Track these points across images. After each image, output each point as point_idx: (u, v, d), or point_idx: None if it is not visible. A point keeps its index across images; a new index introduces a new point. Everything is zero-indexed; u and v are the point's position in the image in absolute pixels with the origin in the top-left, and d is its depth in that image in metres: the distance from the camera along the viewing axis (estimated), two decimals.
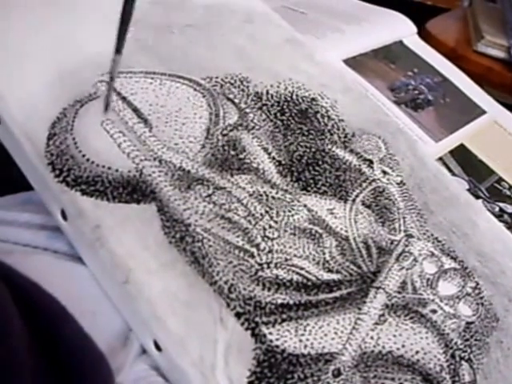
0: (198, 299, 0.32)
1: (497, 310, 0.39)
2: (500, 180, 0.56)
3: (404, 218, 0.41)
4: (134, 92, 0.40)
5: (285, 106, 0.44)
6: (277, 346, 0.32)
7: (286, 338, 0.33)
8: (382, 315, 0.35)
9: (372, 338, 0.34)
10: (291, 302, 0.34)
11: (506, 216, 0.52)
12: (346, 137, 0.44)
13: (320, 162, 0.41)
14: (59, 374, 0.27)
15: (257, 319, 0.33)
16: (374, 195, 0.41)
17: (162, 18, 0.47)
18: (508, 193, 0.55)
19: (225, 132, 0.40)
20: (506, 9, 0.99)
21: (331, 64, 0.51)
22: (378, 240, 0.39)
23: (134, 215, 0.35)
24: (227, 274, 0.34)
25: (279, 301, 0.34)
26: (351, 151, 0.43)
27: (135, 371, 0.32)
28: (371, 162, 0.43)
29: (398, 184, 0.43)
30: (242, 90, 0.44)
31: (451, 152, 0.57)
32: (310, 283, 0.35)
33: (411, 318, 0.36)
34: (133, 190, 0.35)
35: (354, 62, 0.60)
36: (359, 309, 0.35)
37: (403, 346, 0.34)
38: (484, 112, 0.63)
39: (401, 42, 0.67)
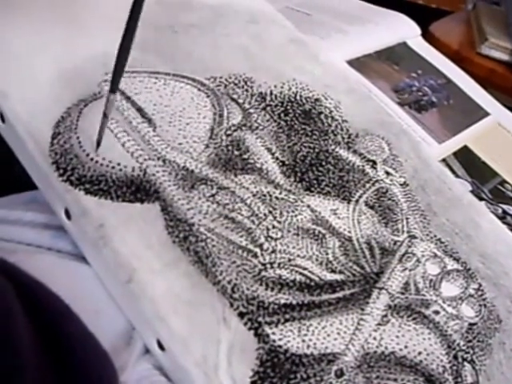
0: (202, 299, 0.33)
1: (499, 312, 0.39)
2: (503, 182, 0.56)
3: (407, 218, 0.41)
4: (138, 92, 0.40)
5: (288, 107, 0.44)
6: (280, 346, 0.32)
7: (289, 338, 0.33)
8: (385, 316, 0.35)
9: (375, 338, 0.34)
10: (294, 302, 0.34)
11: (508, 218, 0.52)
12: (349, 137, 0.44)
13: (323, 163, 0.42)
14: (63, 372, 0.27)
15: (260, 319, 0.33)
16: (377, 196, 0.41)
17: (166, 17, 0.47)
18: (511, 195, 0.55)
19: (229, 132, 0.40)
20: (509, 11, 0.99)
21: (335, 65, 0.51)
22: (381, 241, 0.39)
23: (138, 214, 0.35)
24: (230, 273, 0.34)
25: (282, 301, 0.34)
26: (355, 152, 0.43)
27: (138, 370, 0.32)
28: (374, 162, 0.43)
29: (401, 185, 0.43)
30: (246, 91, 0.44)
31: (455, 154, 0.57)
32: (313, 283, 0.35)
33: (414, 318, 0.36)
34: (136, 190, 0.35)
35: (357, 63, 0.60)
36: (362, 309, 0.35)
37: (406, 347, 0.34)
38: (488, 114, 0.63)
39: (405, 44, 0.67)
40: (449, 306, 0.37)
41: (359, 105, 0.48)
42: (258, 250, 0.35)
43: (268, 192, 0.38)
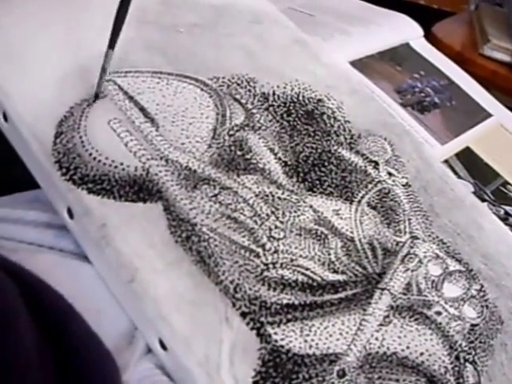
0: (204, 299, 0.33)
1: (501, 313, 0.39)
2: (505, 183, 0.56)
3: (409, 219, 0.41)
4: (140, 91, 0.40)
5: (291, 107, 0.44)
6: (282, 346, 0.32)
7: (291, 338, 0.33)
8: (387, 316, 0.35)
9: (377, 339, 0.34)
10: (296, 302, 0.34)
11: (511, 219, 0.52)
12: (351, 138, 0.44)
13: (326, 163, 0.42)
14: (66, 371, 0.27)
15: (262, 319, 0.33)
16: (379, 197, 0.41)
17: (170, 17, 0.47)
18: None
19: (231, 132, 0.40)
20: None
21: (338, 65, 0.51)
22: (384, 241, 0.39)
23: (141, 214, 0.35)
24: (233, 273, 0.34)
25: (284, 301, 0.34)
26: (357, 152, 0.43)
27: (140, 370, 0.32)
28: (377, 163, 0.43)
29: (403, 186, 0.43)
30: (249, 91, 0.44)
31: (457, 155, 0.56)
32: (315, 284, 0.35)
33: (416, 319, 0.36)
34: (139, 189, 0.35)
35: (360, 64, 0.60)
36: (364, 310, 0.35)
37: (408, 348, 0.34)
38: (490, 115, 0.63)
39: (407, 45, 0.67)
40: (451, 306, 0.37)
41: (362, 106, 0.48)
42: (260, 250, 0.35)
43: (270, 192, 0.38)
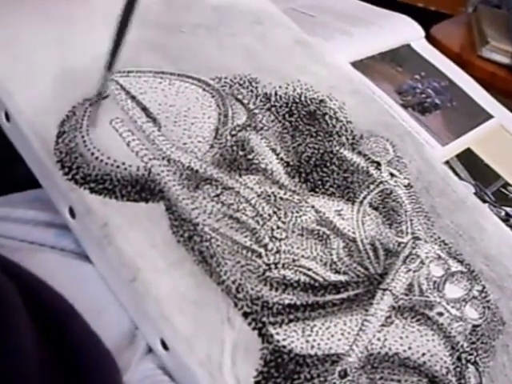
0: (206, 299, 0.32)
1: (503, 314, 0.39)
2: (506, 185, 0.56)
3: (411, 220, 0.41)
4: (143, 91, 0.40)
5: (293, 108, 0.44)
6: (284, 347, 0.32)
7: (293, 338, 0.32)
8: (389, 317, 0.35)
9: (378, 339, 0.34)
10: (298, 302, 0.34)
11: (511, 220, 0.52)
12: (353, 139, 0.44)
13: (328, 164, 0.42)
14: (67, 371, 0.27)
15: (264, 319, 0.33)
16: (381, 197, 0.41)
17: (172, 17, 0.47)
18: None
19: (233, 132, 0.40)
20: (511, 14, 0.99)
21: (340, 66, 0.51)
22: (386, 242, 0.39)
23: (143, 214, 0.35)
24: (235, 273, 0.34)
25: (286, 301, 0.34)
26: (359, 153, 0.43)
27: (141, 370, 0.32)
28: (379, 164, 0.43)
29: (405, 186, 0.43)
30: (251, 91, 0.44)
31: (458, 156, 0.57)
32: (317, 284, 0.35)
33: (418, 320, 0.36)
34: (141, 189, 0.35)
35: (361, 65, 0.60)
36: (366, 310, 0.35)
37: (409, 348, 0.34)
38: (491, 116, 0.63)
39: (408, 46, 0.67)
40: (452, 307, 0.37)
41: (363, 106, 0.48)
42: (262, 250, 0.35)
43: (272, 192, 0.38)
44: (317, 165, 0.41)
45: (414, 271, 0.38)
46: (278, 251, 0.35)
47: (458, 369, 0.35)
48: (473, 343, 0.36)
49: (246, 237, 0.35)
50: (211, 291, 0.33)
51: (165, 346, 0.32)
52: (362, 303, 0.35)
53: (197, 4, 0.49)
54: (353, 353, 0.33)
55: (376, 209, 0.40)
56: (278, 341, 0.32)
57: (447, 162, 0.55)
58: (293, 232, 0.37)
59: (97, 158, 0.36)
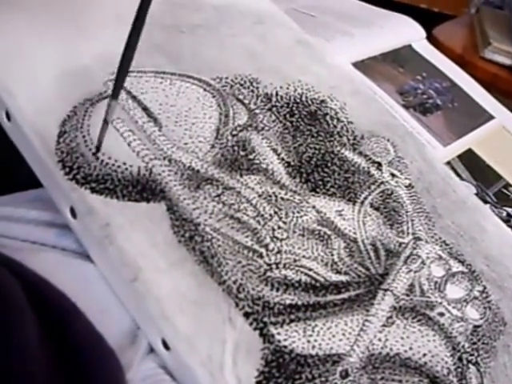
0: (207, 298, 0.32)
1: (504, 314, 0.39)
2: (507, 185, 0.56)
3: (412, 220, 0.41)
4: (144, 91, 0.40)
5: (294, 108, 0.44)
6: (285, 347, 0.32)
7: (294, 338, 0.32)
8: (390, 317, 0.35)
9: (380, 339, 0.34)
10: (299, 302, 0.34)
11: None
12: (355, 139, 0.44)
13: (329, 164, 0.42)
14: (70, 370, 0.27)
15: (265, 319, 0.33)
16: (382, 198, 0.41)
17: (173, 17, 0.47)
18: None
19: (234, 132, 0.40)
20: None
21: (341, 66, 0.51)
22: (387, 242, 0.39)
23: (144, 214, 0.35)
24: (236, 273, 0.34)
25: (287, 301, 0.34)
26: (360, 153, 0.43)
27: (143, 370, 0.32)
28: (380, 164, 0.43)
29: (406, 187, 0.43)
30: (252, 91, 0.44)
31: (459, 156, 0.57)
32: (318, 284, 0.35)
33: (419, 320, 0.36)
34: (142, 189, 0.35)
35: (362, 66, 0.60)
36: (367, 310, 0.35)
37: (411, 349, 0.34)
38: (492, 117, 0.63)
39: (410, 46, 0.67)
40: (453, 308, 0.37)
41: (364, 107, 0.48)
42: (263, 250, 0.35)
43: (273, 193, 0.38)
44: (318, 165, 0.41)
45: (415, 271, 0.38)
46: (279, 251, 0.35)
47: (459, 369, 0.35)
48: (474, 344, 0.36)
49: (247, 237, 0.35)
50: (212, 291, 0.33)
51: (166, 345, 0.32)
52: (363, 303, 0.35)
53: (197, 4, 0.49)
54: (354, 353, 0.33)
55: (377, 209, 0.40)
56: (279, 341, 0.32)
57: (448, 163, 0.55)
58: (294, 232, 0.37)
59: (98, 158, 0.36)
